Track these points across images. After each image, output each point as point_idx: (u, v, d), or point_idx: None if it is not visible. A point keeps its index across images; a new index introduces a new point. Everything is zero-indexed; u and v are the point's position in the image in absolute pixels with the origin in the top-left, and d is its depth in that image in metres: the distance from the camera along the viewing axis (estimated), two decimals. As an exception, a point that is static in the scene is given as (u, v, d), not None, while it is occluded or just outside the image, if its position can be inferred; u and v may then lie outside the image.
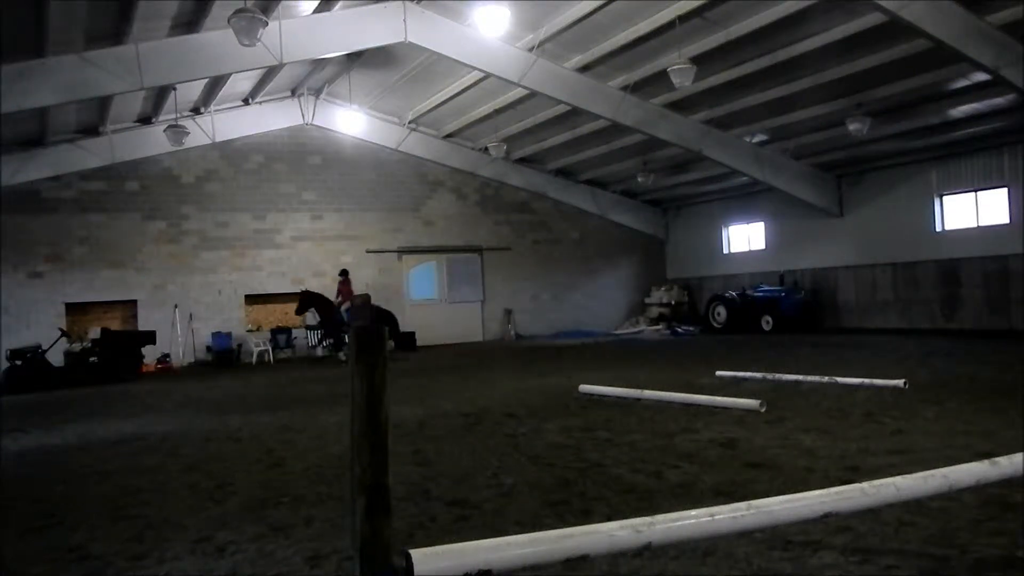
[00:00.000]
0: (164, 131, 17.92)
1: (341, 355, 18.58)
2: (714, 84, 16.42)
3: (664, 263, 27.27)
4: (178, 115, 18.10)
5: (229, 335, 20.47)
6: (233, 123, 20.50)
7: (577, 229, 25.89)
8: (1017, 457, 3.86)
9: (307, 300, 19.04)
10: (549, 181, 24.77)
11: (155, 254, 20.18)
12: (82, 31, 13.31)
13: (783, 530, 3.97)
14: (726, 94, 17.18)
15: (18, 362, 16.07)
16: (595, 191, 25.56)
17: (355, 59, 17.68)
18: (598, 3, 13.96)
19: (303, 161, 21.96)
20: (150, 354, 18.54)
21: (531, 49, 15.98)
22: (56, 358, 16.92)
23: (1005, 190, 17.75)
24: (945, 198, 19.17)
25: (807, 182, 21.07)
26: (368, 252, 22.65)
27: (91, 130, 18.67)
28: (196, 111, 19.66)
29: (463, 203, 24.23)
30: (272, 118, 21.14)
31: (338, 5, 14.86)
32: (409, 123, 22.06)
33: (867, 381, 9.59)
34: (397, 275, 23.20)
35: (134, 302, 19.99)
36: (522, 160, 23.90)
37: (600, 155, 22.43)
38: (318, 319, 19.44)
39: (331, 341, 19.62)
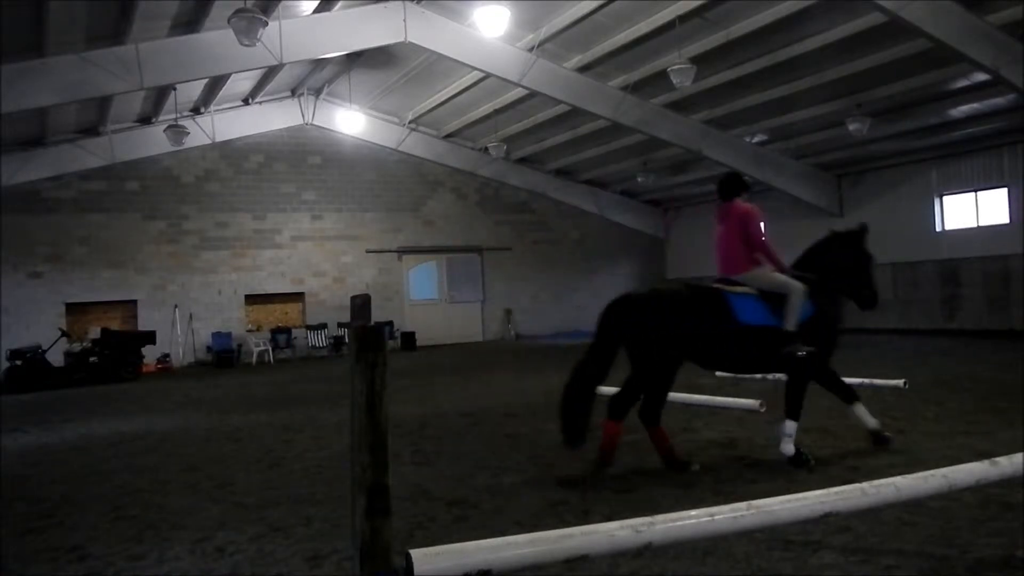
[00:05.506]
0: (164, 131, 17.92)
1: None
2: (714, 84, 16.40)
3: (664, 263, 27.25)
4: (178, 115, 18.09)
5: (229, 335, 20.46)
6: (233, 123, 20.48)
7: (577, 229, 25.89)
8: (1017, 457, 3.85)
9: None
10: (549, 181, 24.75)
11: (155, 254, 20.17)
12: (82, 31, 13.30)
13: (783, 530, 3.97)
14: (726, 94, 17.17)
15: (18, 362, 16.08)
16: (595, 191, 25.55)
17: (355, 59, 17.67)
18: (598, 3, 13.95)
19: (303, 161, 21.95)
20: (150, 354, 18.52)
21: (531, 49, 15.97)
22: (56, 358, 16.91)
23: (1005, 190, 17.74)
24: (945, 198, 19.15)
25: (807, 182, 21.05)
26: (368, 252, 22.64)
27: (91, 130, 18.66)
28: (196, 111, 19.64)
29: (463, 203, 24.23)
30: (272, 118, 21.12)
31: (338, 5, 14.85)
32: (409, 123, 22.04)
33: (867, 381, 9.56)
34: (397, 275, 23.19)
35: (134, 302, 19.98)
36: (522, 160, 23.88)
37: (600, 155, 22.41)
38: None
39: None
